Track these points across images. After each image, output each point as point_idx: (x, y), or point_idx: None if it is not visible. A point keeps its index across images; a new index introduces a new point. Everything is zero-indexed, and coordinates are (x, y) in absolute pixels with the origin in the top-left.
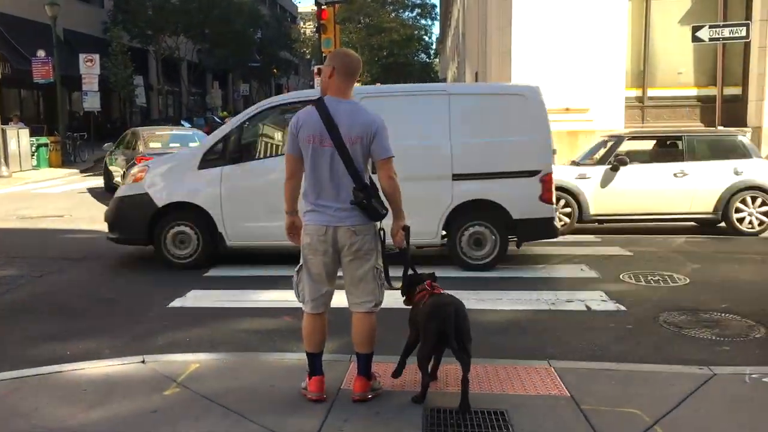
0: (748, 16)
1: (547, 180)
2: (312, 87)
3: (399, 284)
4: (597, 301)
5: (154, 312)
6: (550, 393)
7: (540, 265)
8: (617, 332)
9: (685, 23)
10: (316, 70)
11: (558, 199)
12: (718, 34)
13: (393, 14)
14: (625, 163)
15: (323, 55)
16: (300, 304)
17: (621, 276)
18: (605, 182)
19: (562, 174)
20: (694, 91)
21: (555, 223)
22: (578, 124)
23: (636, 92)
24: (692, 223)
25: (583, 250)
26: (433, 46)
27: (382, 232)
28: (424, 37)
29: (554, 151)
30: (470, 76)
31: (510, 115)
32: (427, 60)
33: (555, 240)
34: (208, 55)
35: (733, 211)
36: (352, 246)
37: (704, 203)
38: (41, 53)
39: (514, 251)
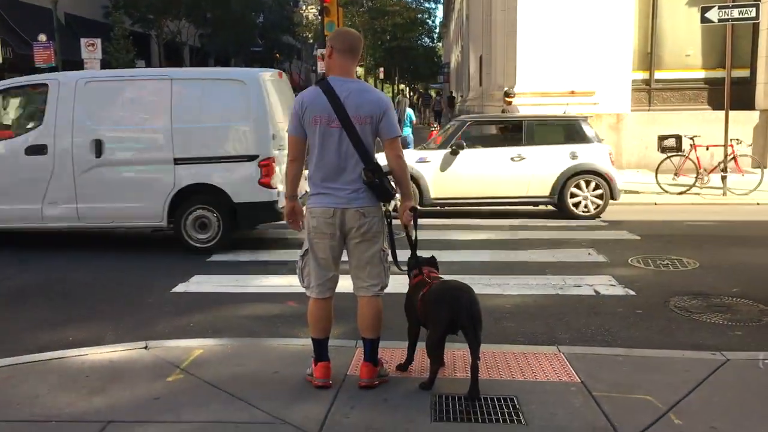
0: None
1: (264, 165)
2: (315, 72)
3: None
4: (606, 285)
5: (156, 297)
6: (560, 379)
7: (547, 249)
8: (627, 317)
9: (693, 4)
10: (319, 55)
11: None
12: (728, 15)
13: None
14: (462, 147)
15: (326, 39)
16: (304, 289)
17: (629, 260)
18: (445, 166)
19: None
20: (701, 74)
21: (276, 207)
22: (584, 108)
23: (643, 75)
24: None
25: (591, 234)
26: (437, 30)
27: (388, 215)
28: (428, 20)
29: (273, 136)
30: (474, 59)
31: (230, 100)
32: (431, 44)
33: (561, 224)
34: (210, 40)
35: (569, 194)
36: (360, 228)
37: (541, 187)
38: (42, 37)
39: (519, 238)
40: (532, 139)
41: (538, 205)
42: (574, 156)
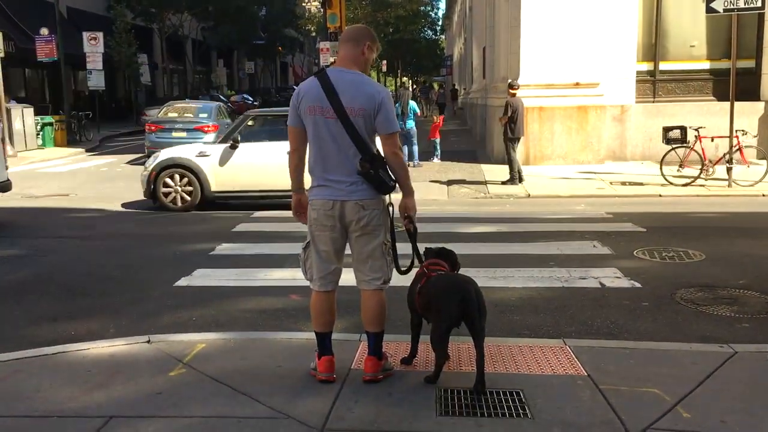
0: None
1: None
2: (317, 65)
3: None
4: (611, 278)
5: (159, 291)
6: (566, 372)
7: (552, 241)
8: (633, 310)
9: None
10: (321, 47)
11: (181, 177)
12: (733, 5)
13: None
14: (238, 141)
15: (329, 31)
16: (308, 283)
17: (635, 252)
18: (224, 160)
19: (184, 152)
20: (706, 65)
21: None
22: (588, 99)
23: (647, 66)
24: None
25: (595, 226)
26: (440, 22)
27: (390, 208)
28: (431, 12)
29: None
30: (477, 52)
31: None
32: (434, 36)
33: (566, 216)
34: (212, 33)
35: None
36: (360, 221)
37: None
38: (44, 31)
39: (523, 231)
40: None
41: None
42: None
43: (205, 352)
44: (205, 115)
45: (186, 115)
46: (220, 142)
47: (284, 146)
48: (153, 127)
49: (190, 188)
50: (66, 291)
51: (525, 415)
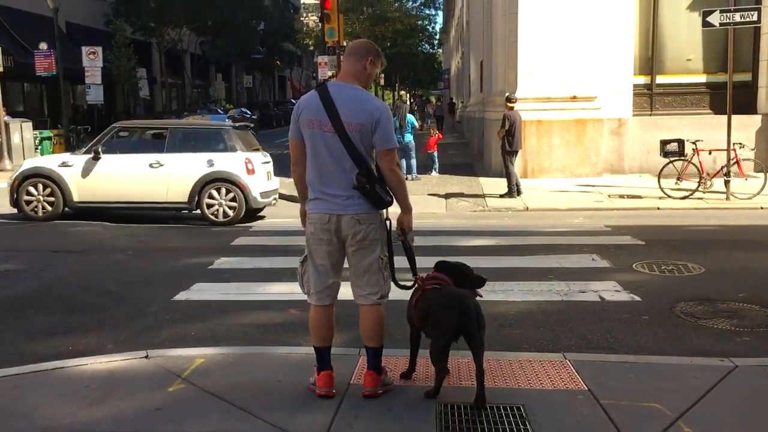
0: (758, 0)
1: None
2: (315, 79)
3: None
4: (611, 291)
5: (158, 305)
6: (567, 387)
7: (550, 255)
8: (633, 323)
9: (694, 9)
10: (319, 62)
11: (43, 186)
12: (729, 19)
13: (396, 4)
14: (99, 153)
15: (327, 45)
16: (305, 297)
17: (634, 265)
18: (86, 171)
19: (47, 162)
20: (703, 78)
21: None
22: (586, 113)
23: (644, 80)
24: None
25: (594, 239)
26: (437, 37)
27: (388, 222)
28: (428, 27)
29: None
30: (475, 66)
31: None
32: (431, 50)
33: (565, 229)
34: (211, 47)
35: (205, 200)
36: (356, 235)
37: (179, 193)
38: (43, 46)
39: (522, 244)
40: (174, 147)
41: (180, 211)
42: (210, 164)
43: (204, 367)
44: None
45: None
46: (84, 153)
47: (148, 158)
48: None
49: (52, 198)
50: (64, 306)
51: (525, 430)
